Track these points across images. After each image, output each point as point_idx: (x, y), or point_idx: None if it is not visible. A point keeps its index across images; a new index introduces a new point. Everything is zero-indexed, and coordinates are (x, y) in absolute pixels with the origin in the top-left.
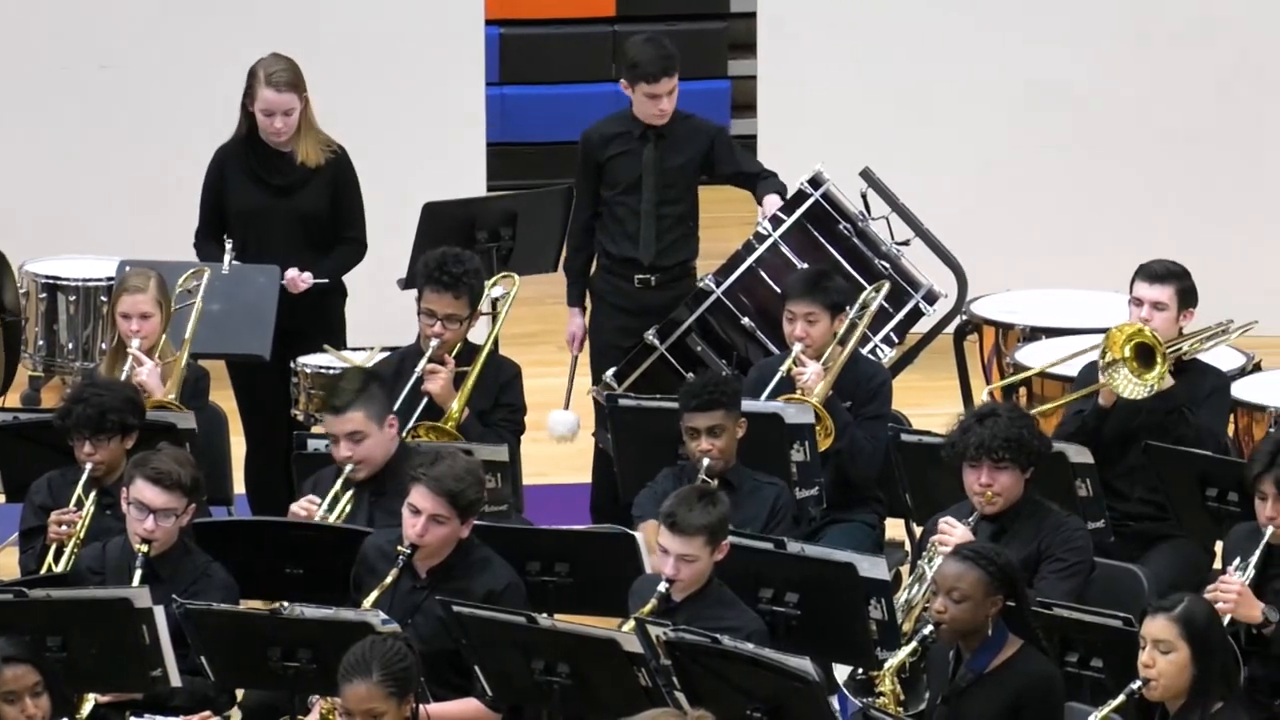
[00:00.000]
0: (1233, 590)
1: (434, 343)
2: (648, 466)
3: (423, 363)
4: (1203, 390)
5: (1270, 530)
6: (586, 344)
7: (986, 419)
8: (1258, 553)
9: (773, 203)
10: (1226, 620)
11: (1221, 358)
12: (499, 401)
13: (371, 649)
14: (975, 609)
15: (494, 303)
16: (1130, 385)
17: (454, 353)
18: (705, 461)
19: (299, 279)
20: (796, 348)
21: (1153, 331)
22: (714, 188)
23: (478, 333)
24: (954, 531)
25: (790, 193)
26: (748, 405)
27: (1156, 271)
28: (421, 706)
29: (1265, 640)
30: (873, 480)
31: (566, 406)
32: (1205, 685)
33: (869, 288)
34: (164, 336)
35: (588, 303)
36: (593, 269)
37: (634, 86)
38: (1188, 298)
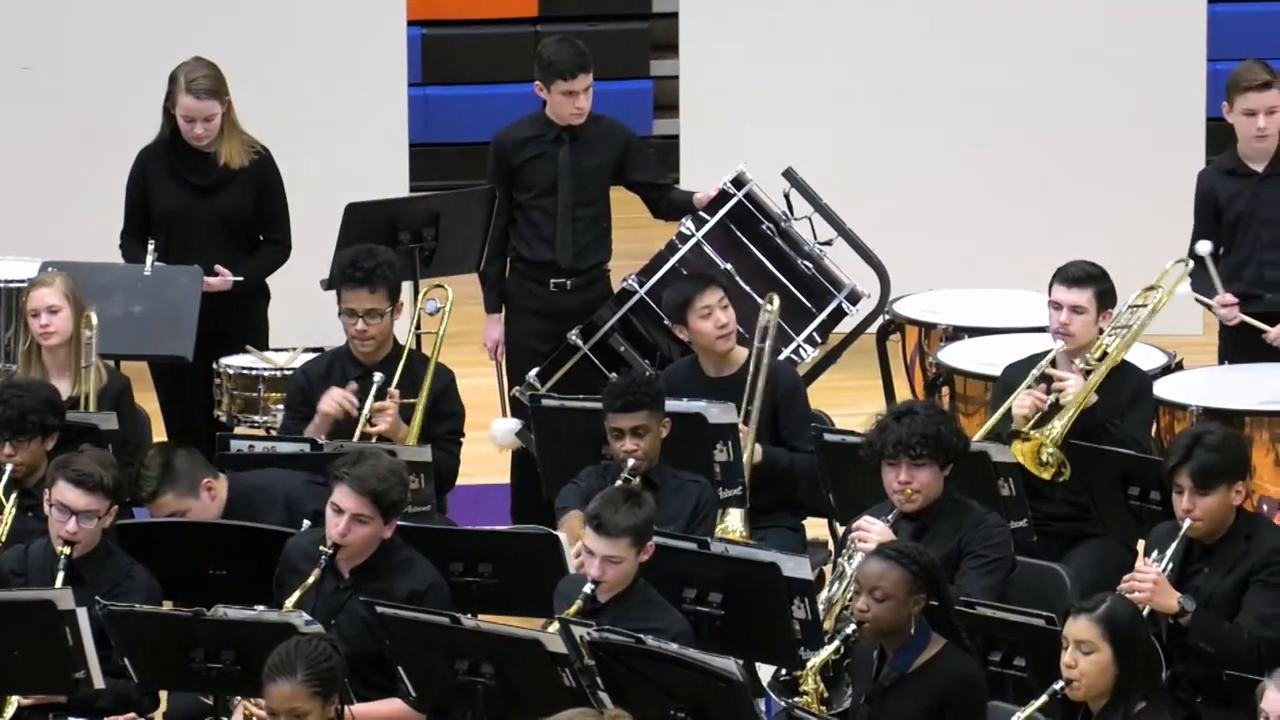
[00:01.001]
0: (1148, 580)
1: (377, 377)
2: (571, 466)
3: (369, 403)
4: (1123, 398)
5: (1188, 523)
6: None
7: (904, 417)
8: (1174, 545)
9: (702, 198)
10: (1145, 611)
11: (1142, 356)
12: (436, 411)
13: (296, 649)
14: (898, 608)
15: (416, 319)
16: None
17: (381, 350)
18: (629, 461)
19: (220, 279)
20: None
21: (1047, 453)
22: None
23: (399, 331)
24: (872, 529)
25: (713, 192)
26: (671, 405)
27: (1074, 275)
28: (346, 708)
29: (1186, 633)
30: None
31: (505, 414)
32: (1128, 685)
33: (763, 306)
34: (88, 338)
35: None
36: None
37: (550, 86)
38: (1106, 299)
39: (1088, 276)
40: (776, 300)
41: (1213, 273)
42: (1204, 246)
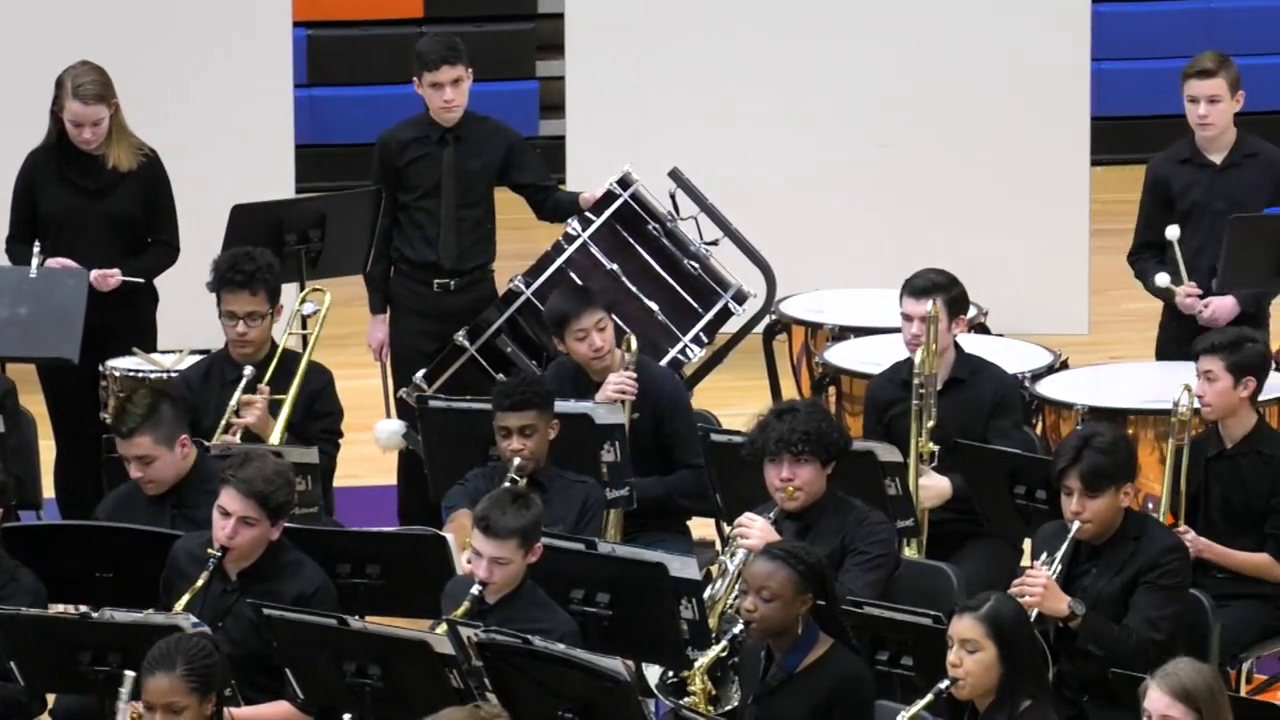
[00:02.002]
0: (1039, 583)
1: (247, 370)
2: (458, 467)
3: (238, 394)
4: (986, 398)
5: (1076, 525)
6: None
7: (785, 414)
8: (1064, 547)
9: (588, 199)
10: (1034, 614)
11: (1027, 356)
12: (312, 411)
13: (176, 644)
14: (785, 608)
15: (304, 320)
16: None
17: (260, 352)
18: (516, 461)
19: (106, 277)
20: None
21: None
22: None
23: (277, 331)
24: (753, 525)
25: (599, 193)
26: (559, 406)
27: (921, 286)
28: (228, 710)
29: (1074, 634)
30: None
31: (390, 415)
32: (1013, 684)
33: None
34: None
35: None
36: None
37: (421, 80)
38: (956, 307)
39: (935, 286)
40: (635, 343)
41: (1179, 258)
42: (1173, 231)
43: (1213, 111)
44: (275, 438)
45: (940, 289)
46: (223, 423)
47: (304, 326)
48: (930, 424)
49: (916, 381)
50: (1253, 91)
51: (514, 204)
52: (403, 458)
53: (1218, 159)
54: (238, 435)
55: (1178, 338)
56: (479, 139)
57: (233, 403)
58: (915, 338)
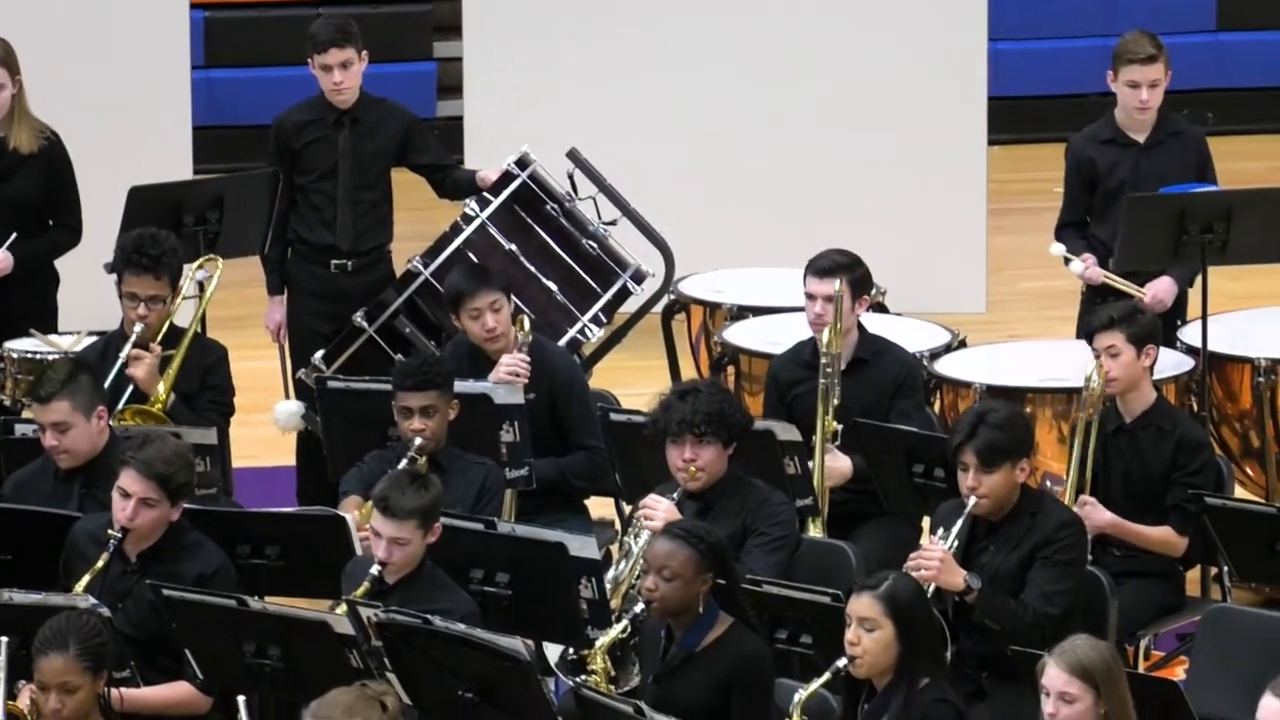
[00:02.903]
0: (934, 558)
1: (138, 328)
2: (357, 448)
3: (127, 348)
4: (888, 378)
5: (973, 501)
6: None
7: (688, 395)
8: (960, 523)
9: (485, 178)
10: (931, 589)
11: (925, 335)
12: (205, 384)
13: (68, 623)
14: (685, 587)
15: (199, 286)
16: None
17: (159, 336)
18: (416, 441)
19: None
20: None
21: None
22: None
23: (182, 315)
24: (658, 507)
25: (496, 175)
26: (458, 386)
27: (823, 267)
28: (114, 691)
29: (971, 610)
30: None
31: (288, 396)
32: (911, 662)
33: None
34: None
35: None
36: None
37: (313, 63)
38: (860, 286)
39: (838, 266)
40: (528, 324)
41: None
42: (1058, 249)
43: (1153, 95)
44: (161, 390)
45: (844, 269)
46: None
47: (199, 290)
48: (835, 404)
49: (824, 361)
50: None
51: (412, 185)
52: (301, 439)
53: (1141, 138)
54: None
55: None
56: (375, 121)
57: (122, 357)
58: (819, 317)
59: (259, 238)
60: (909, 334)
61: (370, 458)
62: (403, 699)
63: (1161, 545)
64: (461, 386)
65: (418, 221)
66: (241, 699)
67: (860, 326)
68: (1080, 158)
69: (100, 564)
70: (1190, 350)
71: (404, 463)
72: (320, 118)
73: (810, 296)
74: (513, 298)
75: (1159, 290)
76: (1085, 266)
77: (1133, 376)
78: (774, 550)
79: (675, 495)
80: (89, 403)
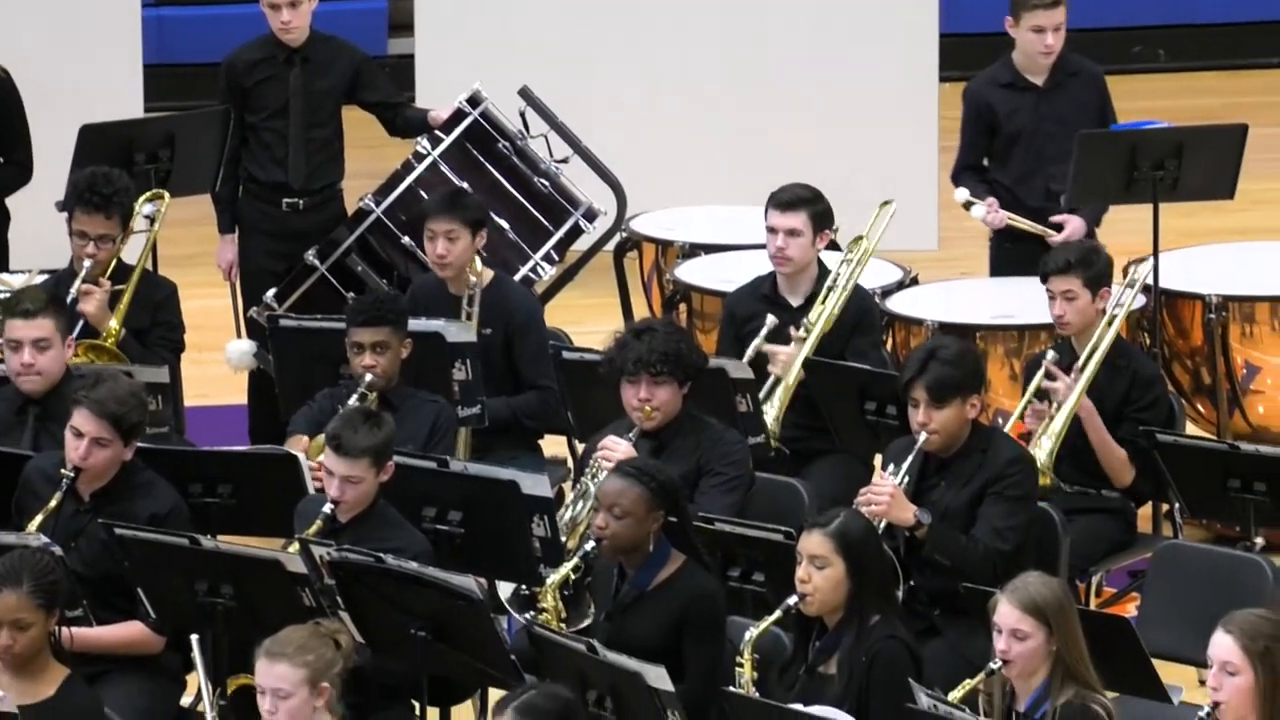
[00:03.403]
0: (884, 493)
1: (88, 263)
2: (309, 386)
3: (77, 283)
4: (848, 317)
5: (923, 437)
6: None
7: (643, 334)
8: (910, 458)
9: (437, 117)
10: (881, 525)
11: (877, 272)
12: (156, 320)
13: (21, 560)
14: (637, 525)
15: (148, 220)
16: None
17: (108, 272)
18: (367, 377)
19: None
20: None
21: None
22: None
23: (131, 252)
24: (618, 448)
25: (447, 113)
26: (411, 324)
27: (785, 200)
28: (64, 630)
29: (922, 546)
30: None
31: (239, 335)
32: (862, 600)
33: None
34: None
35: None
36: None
37: (262, 0)
38: (821, 221)
39: (800, 200)
40: (480, 264)
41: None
42: (961, 194)
43: (1057, 39)
44: (113, 325)
45: (807, 203)
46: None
47: (150, 225)
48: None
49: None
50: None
51: (363, 122)
52: (253, 377)
53: (1040, 81)
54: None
55: (1012, 258)
56: (325, 59)
57: (72, 292)
58: (780, 251)
59: (210, 176)
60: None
61: (320, 396)
62: (355, 637)
63: (1113, 461)
64: (415, 325)
65: (369, 159)
66: (194, 638)
67: (819, 263)
68: (979, 102)
69: (53, 503)
70: (1144, 288)
71: (354, 399)
72: (270, 56)
73: (772, 230)
74: (482, 236)
75: (1071, 230)
76: (988, 210)
77: (1088, 320)
78: (730, 490)
79: (631, 435)
80: (67, 327)
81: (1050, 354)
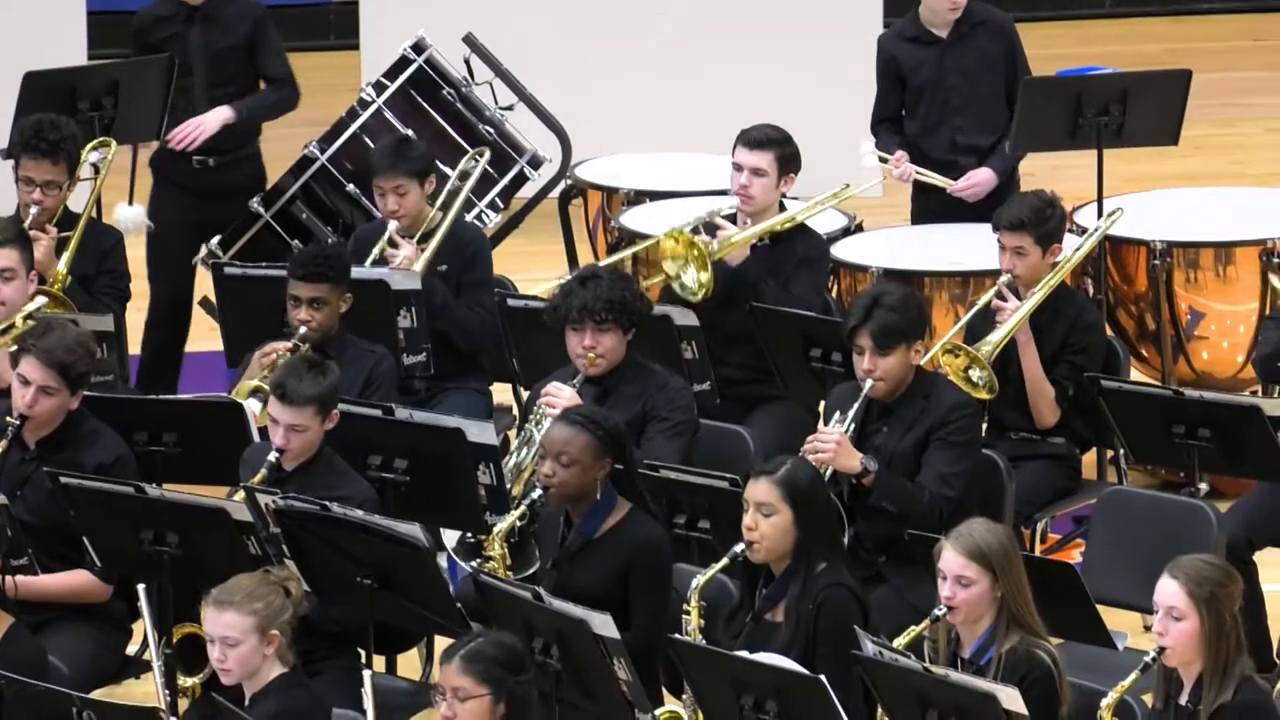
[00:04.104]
0: (831, 441)
1: (34, 210)
2: (254, 334)
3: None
4: (795, 256)
5: (869, 384)
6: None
7: (588, 282)
8: (856, 406)
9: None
10: (828, 473)
11: (823, 219)
12: (101, 268)
13: None
14: (583, 473)
15: (94, 168)
16: (699, 284)
17: (54, 220)
18: (301, 330)
19: None
20: (392, 227)
21: (679, 234)
22: (316, 54)
23: (77, 199)
24: (561, 395)
25: (394, 59)
26: (355, 272)
27: (755, 138)
28: (9, 578)
29: (868, 493)
30: (485, 348)
31: (130, 203)
32: (808, 547)
33: (470, 152)
34: None
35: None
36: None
37: None
38: (788, 164)
39: (769, 140)
40: (487, 153)
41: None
42: (868, 152)
43: None
44: (60, 270)
45: (776, 144)
46: None
47: (95, 173)
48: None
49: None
50: None
51: (309, 69)
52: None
53: (944, 33)
54: None
55: (931, 209)
56: (227, 17)
57: None
58: (744, 188)
59: (155, 123)
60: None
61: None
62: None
63: (1044, 400)
64: (360, 273)
65: (314, 107)
66: (141, 587)
67: (781, 205)
68: (886, 56)
69: None
70: (1085, 233)
71: (290, 344)
72: (174, 14)
73: (738, 167)
74: (430, 181)
75: (976, 181)
76: (894, 164)
77: (1037, 275)
78: (675, 436)
79: (576, 382)
80: (30, 262)
81: (1006, 277)
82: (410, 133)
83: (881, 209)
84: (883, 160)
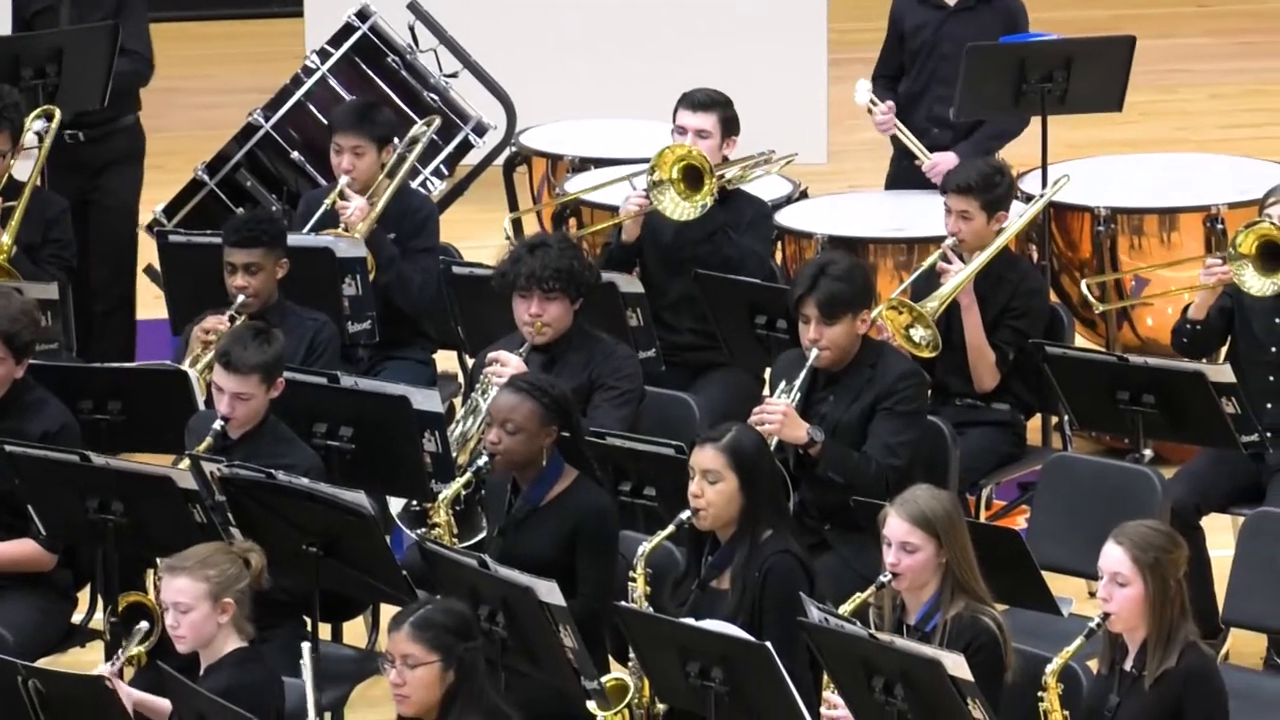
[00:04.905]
0: (777, 412)
1: None
2: (198, 302)
3: None
4: (744, 217)
5: (814, 353)
6: None
7: (537, 249)
8: (802, 375)
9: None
10: (774, 442)
11: (767, 186)
12: (47, 237)
13: None
14: (530, 440)
15: (38, 137)
16: (678, 207)
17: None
18: (239, 298)
19: None
20: (343, 181)
21: (701, 153)
22: (260, 21)
23: (21, 169)
24: (509, 363)
25: (339, 26)
26: (299, 240)
27: (699, 100)
28: None
29: (814, 462)
30: (425, 313)
31: None
32: (754, 514)
33: (419, 121)
34: None
35: None
36: None
37: None
38: (730, 126)
39: (713, 102)
40: (437, 120)
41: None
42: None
43: None
44: (5, 240)
45: (719, 106)
46: None
47: (39, 141)
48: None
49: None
50: None
51: (251, 37)
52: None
53: (952, 1)
54: None
55: (910, 175)
56: None
57: None
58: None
59: (98, 91)
60: (751, 185)
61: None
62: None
63: (984, 364)
64: (304, 241)
65: (259, 74)
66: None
67: (726, 163)
68: (896, 13)
69: None
70: (1030, 199)
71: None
72: None
73: (681, 130)
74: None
75: (938, 164)
76: (880, 114)
77: (982, 240)
78: (621, 405)
79: (523, 350)
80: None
81: (950, 240)
82: (355, 100)
83: (826, 176)
84: (873, 104)
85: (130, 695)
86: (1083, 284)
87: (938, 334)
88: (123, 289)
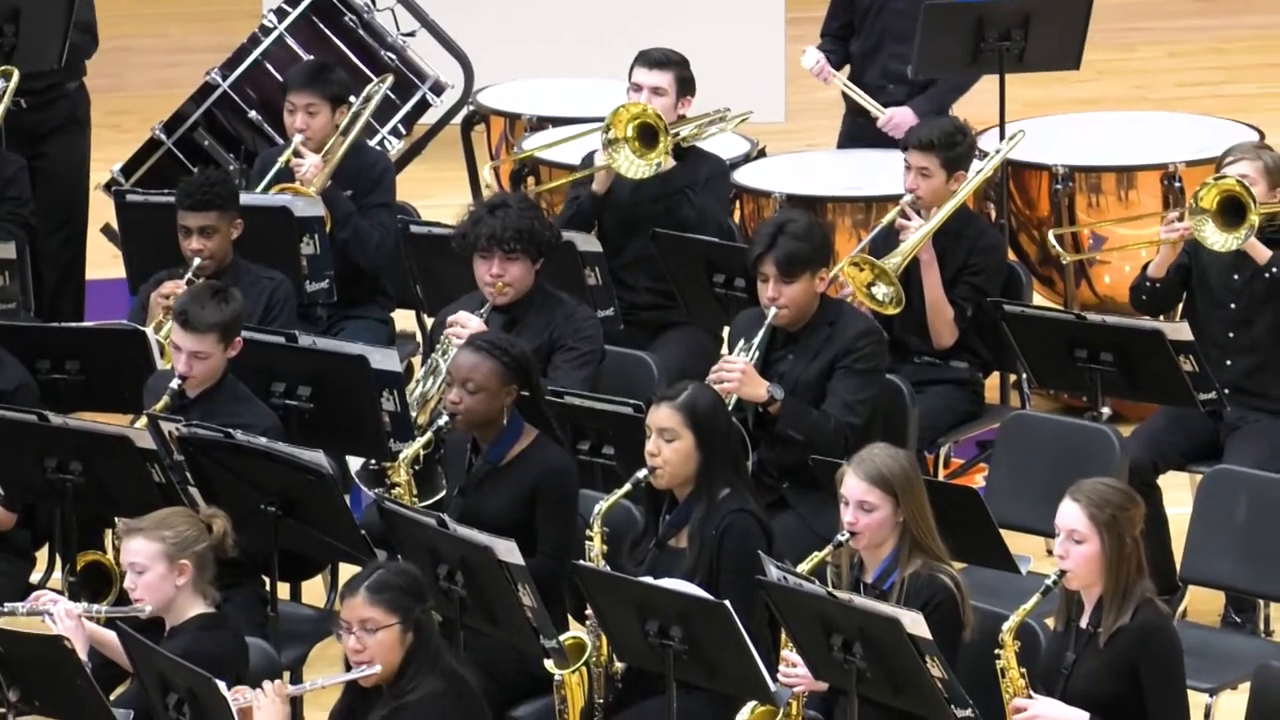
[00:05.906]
0: (736, 370)
1: None
2: (156, 261)
3: None
4: (701, 174)
5: (773, 312)
6: None
7: (497, 210)
8: (761, 333)
9: None
10: (733, 401)
11: (725, 144)
12: (4, 195)
13: None
14: (490, 400)
15: None
16: (633, 165)
17: None
18: (195, 261)
19: None
20: (297, 139)
21: (655, 111)
22: None
23: None
24: (469, 324)
25: None
26: (257, 199)
27: (655, 58)
28: None
29: (773, 420)
30: (383, 269)
31: None
32: (711, 472)
33: (374, 80)
34: None
35: None
36: None
37: None
38: (686, 85)
39: (669, 60)
40: (390, 78)
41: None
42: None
43: None
44: None
45: (675, 64)
46: None
47: None
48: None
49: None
50: None
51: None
52: None
53: None
54: None
55: (866, 133)
56: None
57: None
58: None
59: (56, 51)
60: (708, 144)
61: (154, 278)
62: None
63: (942, 320)
64: (260, 200)
65: (215, 33)
66: None
67: (681, 121)
68: None
69: None
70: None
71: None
72: None
73: (637, 87)
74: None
75: (895, 119)
76: (816, 63)
77: (940, 198)
78: (581, 365)
79: (483, 311)
80: None
81: (909, 196)
82: (312, 59)
83: (784, 134)
84: (816, 64)
85: (84, 638)
86: (1050, 234)
87: (901, 290)
88: (71, 255)
